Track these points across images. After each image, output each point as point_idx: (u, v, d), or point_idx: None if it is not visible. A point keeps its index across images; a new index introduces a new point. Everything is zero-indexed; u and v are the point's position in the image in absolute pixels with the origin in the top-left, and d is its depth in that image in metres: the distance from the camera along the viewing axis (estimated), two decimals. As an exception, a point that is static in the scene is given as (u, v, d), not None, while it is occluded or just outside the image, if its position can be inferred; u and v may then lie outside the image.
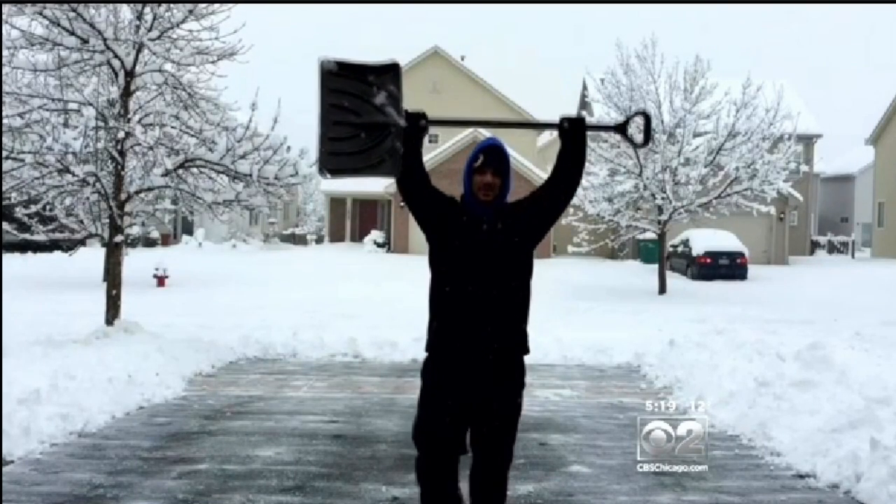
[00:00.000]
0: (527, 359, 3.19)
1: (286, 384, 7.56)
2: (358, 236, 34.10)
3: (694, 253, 22.97)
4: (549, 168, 3.29)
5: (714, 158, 17.87)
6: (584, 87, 27.64)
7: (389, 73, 2.99)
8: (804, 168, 28.66)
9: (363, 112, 2.93)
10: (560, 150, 3.13)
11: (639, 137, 3.28)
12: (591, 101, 21.85)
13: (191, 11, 8.75)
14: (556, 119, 3.14)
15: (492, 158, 3.08)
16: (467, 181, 3.10)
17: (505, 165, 3.09)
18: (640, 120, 3.28)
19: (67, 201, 9.51)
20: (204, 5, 8.86)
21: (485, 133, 22.19)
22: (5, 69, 8.21)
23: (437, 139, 34.60)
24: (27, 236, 9.89)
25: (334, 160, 2.94)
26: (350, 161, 2.94)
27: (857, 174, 42.45)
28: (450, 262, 3.05)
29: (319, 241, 38.62)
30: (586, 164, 3.19)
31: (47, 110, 8.42)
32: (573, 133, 3.09)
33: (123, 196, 8.88)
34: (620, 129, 3.24)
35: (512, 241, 3.05)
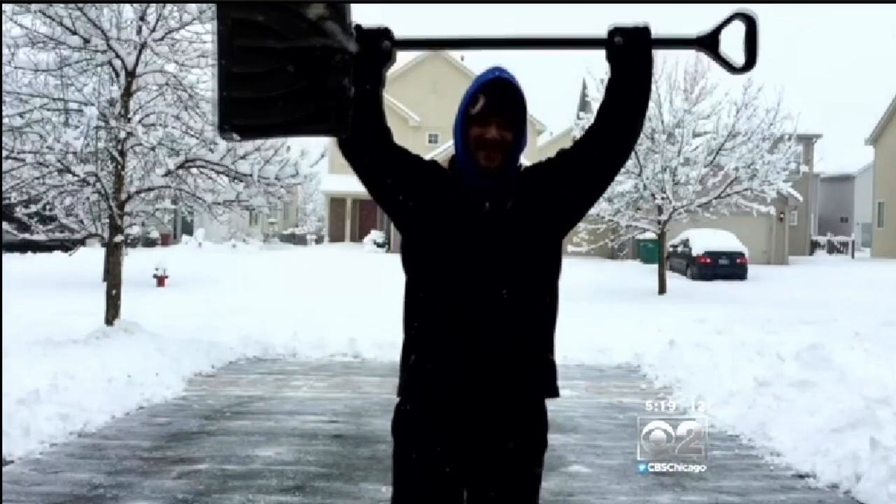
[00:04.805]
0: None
1: (286, 384, 7.56)
2: (358, 236, 34.14)
3: (694, 253, 22.98)
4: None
5: (714, 158, 17.89)
6: (584, 87, 27.63)
7: None
8: (804, 168, 28.64)
9: (289, 31, 1.79)
10: (610, 80, 2.05)
11: (735, 58, 2.02)
12: (591, 100, 21.85)
13: (202, 12, 8.72)
14: (601, 34, 2.02)
15: (498, 100, 1.99)
16: (460, 137, 2.04)
17: (519, 111, 2.02)
18: (737, 28, 2.00)
19: (67, 201, 9.52)
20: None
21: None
22: (6, 69, 8.22)
23: (437, 139, 34.57)
24: (27, 236, 9.89)
25: (243, 111, 1.80)
26: (270, 112, 1.81)
27: (857, 174, 42.46)
28: (435, 262, 2.01)
29: (319, 241, 38.64)
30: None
31: (48, 110, 8.44)
32: (632, 50, 1.98)
33: (123, 196, 8.89)
34: (708, 44, 2.00)
35: (530, 227, 2.01)
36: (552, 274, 2.09)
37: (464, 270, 1.98)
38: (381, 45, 1.96)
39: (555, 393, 2.10)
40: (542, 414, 2.09)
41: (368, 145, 2.03)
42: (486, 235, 1.99)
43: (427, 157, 2.19)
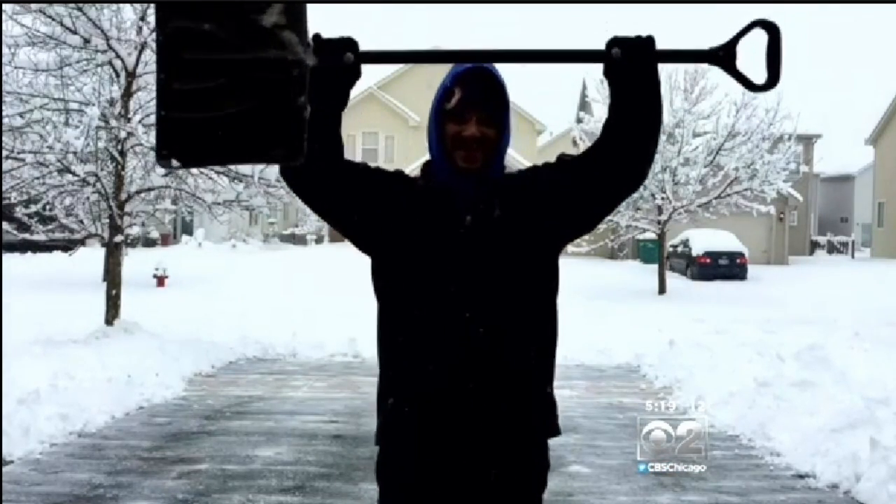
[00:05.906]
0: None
1: (286, 384, 7.56)
2: (358, 236, 34.09)
3: (694, 253, 22.98)
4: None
5: (714, 158, 17.90)
6: (584, 87, 27.64)
7: None
8: (804, 168, 28.67)
9: (241, 41, 1.48)
10: (611, 101, 1.74)
11: (754, 76, 1.72)
12: (591, 101, 21.87)
13: None
14: (597, 46, 1.73)
15: (477, 92, 1.73)
16: (435, 136, 1.78)
17: (501, 104, 1.76)
18: (752, 40, 1.73)
19: (67, 201, 9.53)
20: None
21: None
22: (6, 69, 8.23)
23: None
24: (27, 236, 9.90)
25: (185, 135, 1.49)
26: (216, 136, 1.49)
27: (857, 174, 42.45)
28: (409, 286, 1.74)
29: (319, 241, 38.59)
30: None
31: (48, 110, 8.44)
32: (633, 65, 1.67)
33: (123, 196, 8.90)
34: (723, 58, 1.71)
35: (522, 239, 1.74)
36: (549, 293, 1.82)
37: (444, 294, 1.70)
38: (343, 57, 1.66)
39: (555, 432, 1.84)
40: (542, 456, 1.82)
41: (321, 175, 1.71)
42: (468, 251, 1.71)
43: (423, 159, 2.04)
